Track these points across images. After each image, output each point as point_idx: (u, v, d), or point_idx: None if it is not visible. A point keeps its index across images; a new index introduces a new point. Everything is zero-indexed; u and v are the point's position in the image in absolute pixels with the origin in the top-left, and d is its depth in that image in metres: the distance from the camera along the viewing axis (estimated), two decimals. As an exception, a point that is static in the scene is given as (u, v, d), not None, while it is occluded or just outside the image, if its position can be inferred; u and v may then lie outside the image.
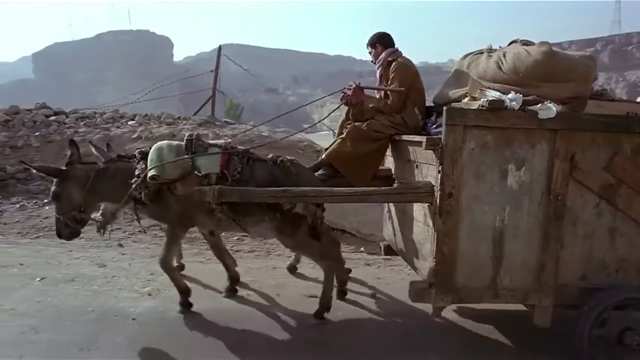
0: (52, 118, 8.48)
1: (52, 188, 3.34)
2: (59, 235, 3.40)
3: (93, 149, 3.52)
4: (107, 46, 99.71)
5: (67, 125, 8.27)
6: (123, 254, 4.89)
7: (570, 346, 2.72)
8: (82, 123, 8.39)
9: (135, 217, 3.55)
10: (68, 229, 3.35)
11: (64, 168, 3.31)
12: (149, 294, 3.85)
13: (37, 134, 7.87)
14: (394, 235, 3.63)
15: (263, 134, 7.59)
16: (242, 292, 3.93)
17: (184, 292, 3.52)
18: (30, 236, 5.45)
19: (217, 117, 8.92)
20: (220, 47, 10.04)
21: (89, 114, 8.95)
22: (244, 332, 3.26)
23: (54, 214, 3.43)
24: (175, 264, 4.02)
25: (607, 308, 2.60)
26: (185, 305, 3.51)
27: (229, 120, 8.96)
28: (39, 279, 4.11)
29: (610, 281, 2.73)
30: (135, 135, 7.58)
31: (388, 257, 4.23)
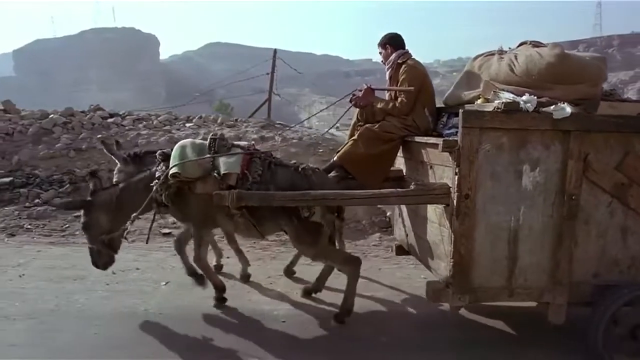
0: (110, 120, 8.50)
1: (81, 220, 3.35)
2: (96, 266, 3.46)
3: (104, 148, 3.52)
4: (91, 44, 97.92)
5: (126, 128, 8.17)
6: (227, 257, 4.63)
7: (584, 343, 2.77)
8: (140, 125, 8.31)
9: (154, 220, 3.57)
10: (103, 259, 3.41)
11: (89, 199, 3.33)
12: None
13: (98, 136, 7.69)
14: (406, 235, 3.64)
15: (327, 136, 7.60)
16: (365, 293, 3.82)
17: (220, 289, 3.60)
18: (126, 240, 5.32)
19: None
20: (275, 51, 9.98)
21: (143, 115, 8.99)
22: (384, 331, 3.29)
23: (87, 244, 3.44)
24: (214, 263, 4.21)
25: (623, 305, 2.65)
26: (220, 300, 3.59)
27: (282, 122, 8.89)
28: (164, 283, 4.10)
29: (622, 278, 2.79)
30: (200, 138, 7.45)
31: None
